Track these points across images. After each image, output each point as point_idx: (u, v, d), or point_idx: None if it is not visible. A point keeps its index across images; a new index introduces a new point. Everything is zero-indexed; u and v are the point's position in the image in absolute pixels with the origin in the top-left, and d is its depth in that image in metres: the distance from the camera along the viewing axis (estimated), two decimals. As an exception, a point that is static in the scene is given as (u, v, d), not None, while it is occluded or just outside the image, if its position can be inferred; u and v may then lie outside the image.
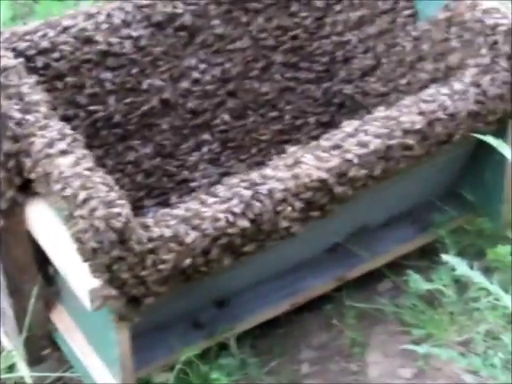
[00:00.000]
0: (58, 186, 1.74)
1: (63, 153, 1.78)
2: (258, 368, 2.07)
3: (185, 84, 2.29)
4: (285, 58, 2.37)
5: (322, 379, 2.06)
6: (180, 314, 2.04)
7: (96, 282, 1.71)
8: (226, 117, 2.32)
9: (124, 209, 1.70)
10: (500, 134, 2.01)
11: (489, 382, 1.95)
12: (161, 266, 1.75)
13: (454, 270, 1.80)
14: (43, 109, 1.89)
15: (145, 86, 2.24)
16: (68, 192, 1.71)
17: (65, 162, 1.76)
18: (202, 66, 2.30)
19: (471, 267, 1.77)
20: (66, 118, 2.04)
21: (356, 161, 1.88)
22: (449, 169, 2.17)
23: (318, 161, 1.86)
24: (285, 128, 2.37)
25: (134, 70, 2.23)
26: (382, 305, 2.17)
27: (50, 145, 1.79)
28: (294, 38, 2.37)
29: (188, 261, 1.78)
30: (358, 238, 2.17)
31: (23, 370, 2.04)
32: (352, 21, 2.31)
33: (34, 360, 2.04)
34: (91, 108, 2.19)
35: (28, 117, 1.84)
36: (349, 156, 1.87)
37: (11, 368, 2.08)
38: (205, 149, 2.31)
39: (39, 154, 1.79)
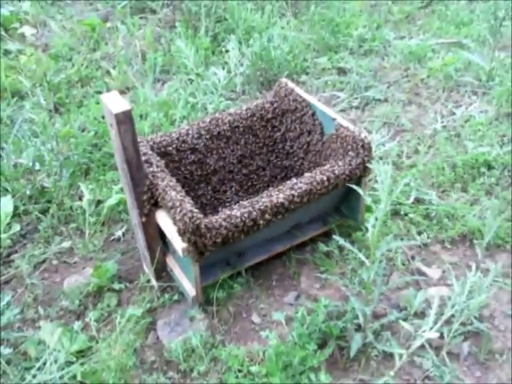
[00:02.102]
0: (169, 204, 1.75)
1: (171, 189, 1.79)
2: (254, 283, 2.06)
3: (223, 160, 2.27)
4: (265, 150, 2.35)
5: (282, 287, 2.04)
6: (221, 259, 2.02)
7: (184, 245, 1.71)
8: (242, 176, 2.31)
9: (198, 214, 1.71)
10: (359, 182, 2.01)
11: (353, 291, 1.93)
12: (213, 239, 1.75)
13: (338, 241, 1.80)
14: (162, 170, 1.89)
15: (207, 161, 2.23)
16: (173, 207, 1.72)
17: (172, 193, 1.76)
18: (232, 153, 2.28)
19: (345, 241, 1.77)
20: (173, 174, 2.04)
21: (296, 195, 1.88)
22: (336, 197, 2.15)
23: (281, 194, 1.86)
24: (266, 181, 2.35)
25: (202, 155, 2.21)
26: (307, 256, 2.14)
27: (166, 186, 1.80)
28: (269, 142, 2.35)
29: (225, 237, 1.78)
30: (296, 227, 2.14)
31: (153, 281, 2.05)
32: (294, 136, 2.30)
33: (158, 278, 2.04)
34: (185, 171, 2.19)
35: (156, 174, 1.85)
36: (293, 193, 1.88)
37: (149, 281, 2.06)
38: (233, 189, 2.30)
39: (168, 189, 1.79)
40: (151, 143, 2.08)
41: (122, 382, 1.69)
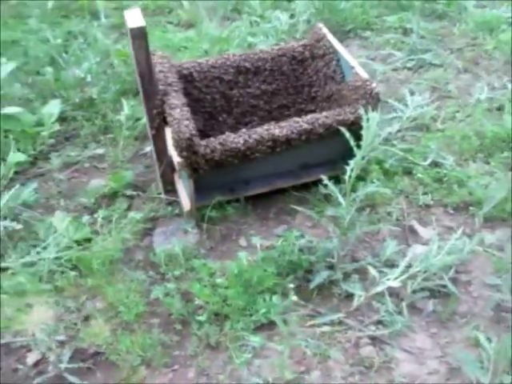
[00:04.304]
0: (170, 120, 1.87)
1: (176, 107, 1.90)
2: (252, 211, 2.14)
3: (248, 94, 2.33)
4: (292, 91, 2.38)
5: (276, 220, 2.11)
6: (225, 184, 2.08)
7: (179, 159, 1.84)
8: (264, 111, 2.37)
9: (192, 132, 1.82)
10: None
11: (338, 233, 1.96)
12: (206, 157, 1.86)
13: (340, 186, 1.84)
14: (176, 90, 2.00)
15: (232, 93, 2.30)
16: (173, 123, 1.84)
17: (176, 111, 1.88)
18: (256, 86, 2.33)
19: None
20: (196, 101, 2.11)
21: (295, 132, 1.94)
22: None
23: (279, 129, 1.93)
24: (284, 117, 2.33)
25: (228, 87, 2.29)
26: (308, 197, 2.18)
27: (172, 104, 1.92)
28: (297, 84, 2.38)
29: (218, 158, 1.88)
30: (304, 168, 2.16)
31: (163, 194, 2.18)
32: (321, 82, 2.31)
33: (166, 191, 2.17)
34: (208, 99, 2.28)
35: (168, 92, 1.96)
36: (292, 129, 1.94)
37: (160, 193, 2.20)
38: (254, 123, 2.34)
39: (173, 107, 1.90)
40: (179, 67, 2.19)
41: (104, 269, 1.88)
